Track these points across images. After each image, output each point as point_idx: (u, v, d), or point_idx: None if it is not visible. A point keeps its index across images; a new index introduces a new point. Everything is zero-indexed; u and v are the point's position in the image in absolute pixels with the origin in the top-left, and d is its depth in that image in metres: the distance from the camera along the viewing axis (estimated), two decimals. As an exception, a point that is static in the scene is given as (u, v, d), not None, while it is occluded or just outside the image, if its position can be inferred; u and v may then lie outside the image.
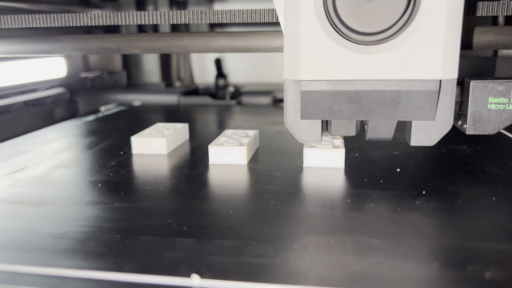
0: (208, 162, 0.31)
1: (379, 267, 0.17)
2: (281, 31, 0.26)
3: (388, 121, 0.24)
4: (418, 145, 0.24)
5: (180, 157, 0.33)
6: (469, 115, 0.25)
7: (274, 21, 0.30)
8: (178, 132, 0.37)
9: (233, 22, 0.30)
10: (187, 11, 0.30)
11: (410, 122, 0.24)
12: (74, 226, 0.21)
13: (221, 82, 0.69)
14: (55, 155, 0.34)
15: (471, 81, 0.24)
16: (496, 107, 0.24)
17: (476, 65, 0.68)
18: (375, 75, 0.22)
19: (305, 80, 0.23)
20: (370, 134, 0.25)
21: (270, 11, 0.30)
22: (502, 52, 0.62)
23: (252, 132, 0.35)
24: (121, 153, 0.34)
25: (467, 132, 0.25)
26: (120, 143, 0.37)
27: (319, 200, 0.24)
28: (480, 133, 0.25)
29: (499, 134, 0.39)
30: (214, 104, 0.60)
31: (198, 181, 0.27)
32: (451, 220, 0.21)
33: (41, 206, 0.24)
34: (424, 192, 0.25)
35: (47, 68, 0.56)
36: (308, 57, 0.23)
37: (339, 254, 0.18)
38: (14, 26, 0.31)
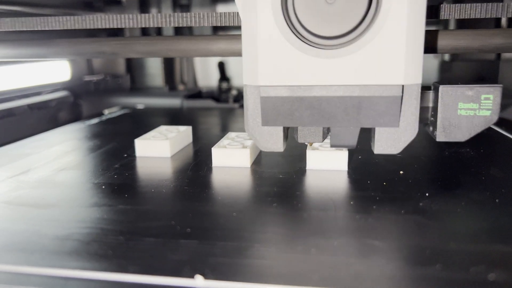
0: (211, 164, 0.31)
1: (381, 269, 0.17)
2: None
3: (351, 128, 0.23)
4: (382, 153, 0.23)
5: (183, 159, 0.33)
6: (438, 121, 0.24)
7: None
8: (182, 135, 0.37)
9: (237, 25, 0.30)
10: (190, 14, 0.30)
11: (374, 129, 0.23)
12: (78, 228, 0.21)
13: (224, 85, 0.69)
14: (59, 158, 0.34)
15: (440, 86, 0.24)
16: (466, 113, 0.24)
17: (478, 68, 0.68)
18: (336, 80, 0.22)
19: (264, 86, 0.22)
20: (334, 142, 0.24)
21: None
22: (505, 55, 0.62)
23: (255, 135, 0.35)
24: (125, 155, 0.35)
25: (437, 139, 0.24)
26: (124, 146, 0.37)
27: (322, 202, 0.24)
28: (451, 140, 0.24)
29: (502, 136, 0.38)
30: (217, 107, 0.61)
31: (201, 184, 0.28)
32: (454, 222, 0.21)
33: (45, 208, 0.24)
34: (427, 194, 0.25)
35: (51, 71, 0.56)
36: (266, 61, 0.22)
37: (342, 256, 0.18)
38: (16, 29, 0.31)
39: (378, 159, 0.32)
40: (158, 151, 0.34)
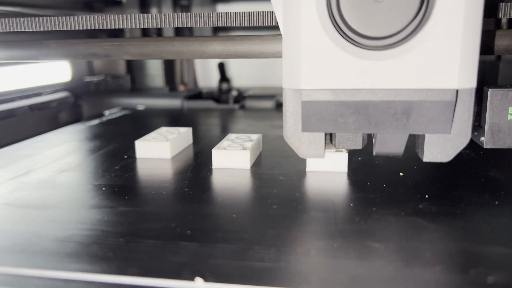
0: (211, 166, 0.31)
1: (381, 271, 0.17)
2: (280, 34, 0.24)
3: (399, 135, 0.22)
4: (432, 161, 0.22)
5: (183, 161, 0.33)
6: (486, 127, 0.23)
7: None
8: (182, 136, 0.37)
9: (237, 25, 0.30)
10: (190, 13, 0.30)
11: (423, 136, 0.22)
12: (78, 229, 0.22)
13: (225, 86, 0.69)
14: (60, 159, 0.34)
15: (490, 89, 0.22)
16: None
17: (479, 69, 0.68)
18: (384, 83, 0.20)
19: (307, 89, 0.21)
20: (379, 149, 0.23)
21: (274, 13, 0.29)
22: (506, 56, 0.62)
23: (255, 136, 0.35)
24: (125, 157, 0.35)
25: (485, 146, 0.23)
26: (124, 147, 0.37)
27: (322, 204, 0.24)
28: (499, 147, 0.23)
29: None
30: (217, 108, 0.61)
31: (201, 185, 0.28)
32: (453, 224, 0.21)
33: (46, 209, 0.24)
34: (427, 196, 0.25)
35: (51, 72, 0.57)
36: (309, 64, 0.21)
37: (342, 258, 0.18)
38: (15, 30, 0.30)
39: (378, 161, 0.32)
40: (159, 152, 0.34)
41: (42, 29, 0.30)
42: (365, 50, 0.20)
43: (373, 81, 0.20)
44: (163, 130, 0.38)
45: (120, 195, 0.26)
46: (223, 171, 0.30)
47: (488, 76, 0.67)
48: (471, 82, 0.20)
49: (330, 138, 0.24)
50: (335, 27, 0.20)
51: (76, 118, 0.59)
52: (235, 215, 0.23)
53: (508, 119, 0.23)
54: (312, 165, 0.30)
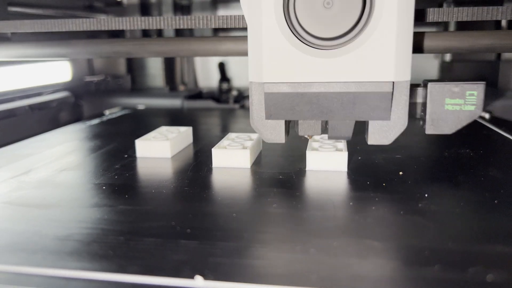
0: (211, 165, 0.31)
1: (380, 269, 0.17)
2: None
3: (347, 121, 0.25)
4: (375, 143, 0.25)
5: (184, 160, 0.33)
6: (427, 116, 0.26)
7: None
8: (182, 135, 0.37)
9: (237, 27, 0.30)
10: (191, 16, 0.30)
11: (368, 122, 0.25)
12: (79, 228, 0.22)
13: (225, 86, 0.70)
14: (60, 158, 0.34)
15: (429, 83, 0.26)
16: (453, 108, 0.26)
17: (479, 69, 0.68)
18: (333, 77, 0.24)
19: (268, 83, 0.25)
20: (331, 134, 0.26)
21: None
22: (505, 55, 0.62)
23: (255, 136, 0.35)
24: (126, 156, 0.35)
25: (426, 132, 0.26)
26: (125, 147, 0.38)
27: (321, 203, 0.24)
28: (439, 133, 0.26)
29: (501, 137, 0.39)
30: (217, 108, 0.61)
31: (201, 184, 0.28)
32: (453, 223, 0.21)
33: (46, 208, 0.24)
34: (426, 195, 0.25)
35: (52, 72, 0.57)
36: (270, 61, 0.24)
37: (341, 256, 0.18)
38: (25, 31, 0.33)
39: (377, 160, 0.32)
40: (159, 151, 0.34)
41: (46, 30, 0.32)
42: (316, 49, 0.24)
43: (323, 76, 0.24)
44: (163, 129, 0.38)
45: (120, 194, 0.26)
46: (223, 170, 0.30)
47: (489, 75, 0.67)
48: (406, 75, 0.24)
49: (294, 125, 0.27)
50: (291, 29, 0.23)
51: (76, 117, 0.59)
52: (235, 213, 0.23)
53: (445, 108, 0.26)
54: (312, 164, 0.30)
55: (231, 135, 0.35)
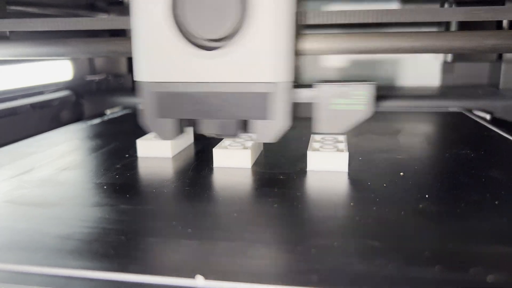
0: (212, 165, 0.31)
1: (381, 269, 0.17)
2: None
3: (231, 120, 0.26)
4: (261, 141, 0.26)
5: (184, 160, 0.33)
6: (317, 115, 0.27)
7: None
8: (183, 135, 0.37)
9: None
10: None
11: (253, 121, 0.26)
12: (80, 227, 0.22)
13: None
14: (62, 157, 0.35)
15: (318, 84, 0.27)
16: (342, 107, 0.27)
17: (481, 70, 0.68)
18: (215, 78, 0.25)
19: (155, 82, 0.26)
20: (218, 131, 0.27)
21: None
22: (507, 56, 0.62)
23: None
24: (127, 155, 0.35)
25: (317, 131, 0.27)
26: (126, 146, 0.38)
27: (322, 203, 0.24)
28: (328, 132, 0.27)
29: (502, 138, 0.39)
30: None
31: (202, 184, 0.28)
32: (453, 224, 0.21)
33: (48, 207, 0.24)
34: (427, 196, 0.25)
35: (53, 71, 0.57)
36: (155, 61, 0.25)
37: (342, 257, 0.18)
38: (23, 30, 0.33)
39: (378, 161, 0.32)
40: (160, 151, 0.34)
41: (46, 30, 0.32)
42: (200, 50, 0.25)
43: (206, 76, 0.25)
44: (165, 129, 0.38)
45: (121, 193, 0.26)
46: (224, 170, 0.31)
47: (491, 75, 0.67)
48: (286, 76, 0.25)
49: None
50: (176, 31, 0.25)
51: (77, 117, 0.59)
52: (236, 213, 0.23)
53: (334, 108, 0.27)
54: (313, 165, 0.30)
55: (232, 135, 0.35)
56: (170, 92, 0.26)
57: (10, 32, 0.41)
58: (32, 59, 0.50)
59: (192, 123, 0.28)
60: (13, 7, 0.46)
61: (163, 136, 0.27)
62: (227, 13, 0.23)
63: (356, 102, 0.26)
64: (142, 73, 0.26)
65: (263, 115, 0.25)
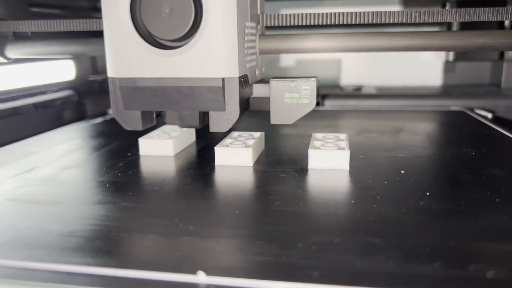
0: (214, 163, 0.32)
1: (382, 266, 0.17)
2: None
3: (191, 112, 0.29)
4: (215, 131, 0.29)
5: (186, 158, 0.34)
6: (271, 109, 0.30)
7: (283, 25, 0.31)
8: (185, 134, 0.37)
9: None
10: None
11: (209, 112, 0.29)
12: (82, 224, 0.22)
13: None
14: (64, 156, 0.35)
15: (271, 79, 0.30)
16: (291, 101, 0.29)
17: (482, 69, 0.68)
18: (174, 73, 0.28)
19: (121, 78, 0.28)
20: (181, 123, 0.30)
21: (277, 16, 0.30)
22: (509, 55, 0.61)
23: (257, 134, 0.35)
24: (129, 154, 0.35)
25: (271, 122, 0.30)
26: (128, 145, 0.38)
27: (323, 201, 0.24)
28: (280, 123, 0.30)
29: (503, 136, 0.39)
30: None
31: (204, 182, 0.28)
32: (454, 221, 0.22)
33: (50, 205, 0.25)
34: (428, 193, 0.25)
35: (56, 71, 0.57)
36: (120, 59, 0.28)
37: (343, 254, 0.18)
38: (42, 31, 0.36)
39: (379, 159, 0.32)
40: (162, 150, 0.34)
41: (60, 30, 0.33)
42: (158, 49, 0.27)
43: (166, 72, 0.28)
44: (166, 128, 0.38)
45: (124, 191, 0.26)
46: (225, 168, 0.31)
47: (493, 74, 0.66)
48: (235, 72, 0.27)
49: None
50: (138, 31, 0.27)
51: (80, 116, 0.60)
52: (237, 211, 0.23)
53: (285, 101, 0.29)
54: (314, 163, 0.30)
55: (233, 134, 0.35)
56: (134, 87, 0.28)
57: (32, 32, 0.41)
58: (31, 59, 0.51)
59: (158, 114, 0.31)
60: (34, 9, 0.46)
61: (132, 126, 0.30)
62: (183, 17, 0.26)
63: (302, 96, 0.29)
64: (110, 69, 0.29)
65: (220, 107, 0.28)
